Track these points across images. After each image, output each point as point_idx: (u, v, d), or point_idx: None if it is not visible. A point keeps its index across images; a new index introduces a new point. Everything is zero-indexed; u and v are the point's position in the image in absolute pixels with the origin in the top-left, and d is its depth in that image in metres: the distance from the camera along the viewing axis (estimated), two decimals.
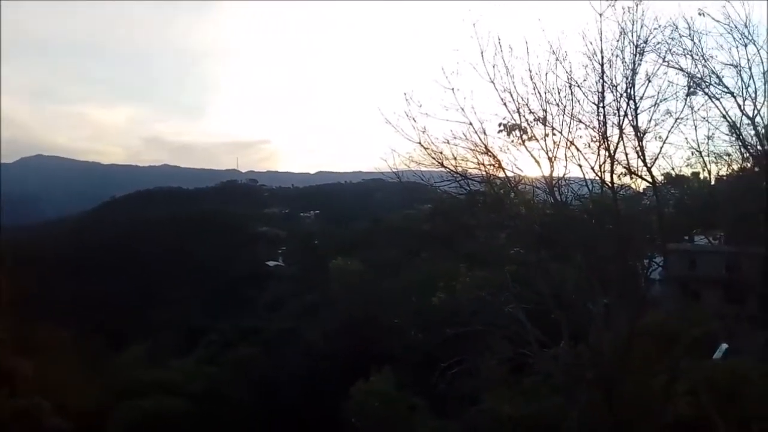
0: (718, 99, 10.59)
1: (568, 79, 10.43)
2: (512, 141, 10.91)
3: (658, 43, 10.28)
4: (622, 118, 10.43)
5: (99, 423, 20.41)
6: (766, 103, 10.29)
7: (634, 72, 10.20)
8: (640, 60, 10.19)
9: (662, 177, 11.23)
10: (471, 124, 10.71)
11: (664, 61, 10.40)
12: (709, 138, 10.93)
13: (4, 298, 19.16)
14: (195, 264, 48.85)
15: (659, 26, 10.14)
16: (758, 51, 10.09)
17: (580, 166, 10.84)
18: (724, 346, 7.43)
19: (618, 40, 10.10)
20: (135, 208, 77.61)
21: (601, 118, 10.47)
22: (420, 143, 10.81)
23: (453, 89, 10.39)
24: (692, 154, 11.07)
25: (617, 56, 10.15)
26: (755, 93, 10.29)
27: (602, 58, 10.13)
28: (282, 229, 69.17)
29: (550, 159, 10.84)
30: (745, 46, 10.14)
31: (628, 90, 10.28)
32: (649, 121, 10.55)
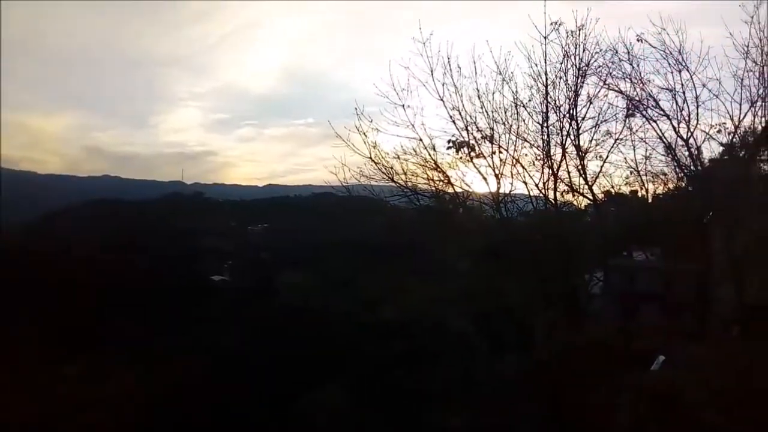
0: (655, 121, 11.13)
1: (514, 98, 10.81)
2: (461, 157, 11.17)
3: (599, 66, 10.78)
4: (564, 137, 10.86)
5: None
6: (698, 126, 10.90)
7: (577, 94, 10.66)
8: (582, 82, 10.68)
9: (602, 194, 11.71)
10: (421, 140, 10.89)
11: (604, 83, 10.89)
12: (646, 158, 11.47)
13: None
14: (135, 278, 46.82)
15: (600, 50, 10.65)
16: (691, 77, 10.67)
17: (525, 183, 11.21)
18: (662, 357, 7.73)
19: (562, 63, 10.55)
20: (74, 220, 73.87)
21: (545, 137, 10.87)
22: (371, 158, 10.87)
23: (404, 105, 10.54)
24: (631, 173, 11.60)
25: (561, 78, 10.60)
26: (689, 116, 10.88)
27: (546, 79, 10.54)
28: (228, 243, 67.44)
29: (496, 176, 11.15)
30: (680, 71, 10.72)
31: (571, 111, 10.73)
32: (591, 141, 11.05)
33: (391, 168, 11.04)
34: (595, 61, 10.66)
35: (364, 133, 10.72)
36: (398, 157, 11.04)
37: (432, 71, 10.55)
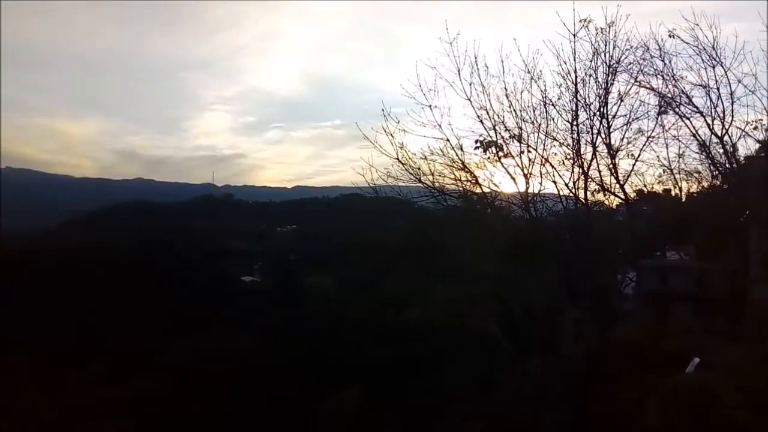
0: (688, 118, 10.89)
1: (542, 97, 10.65)
2: (488, 157, 11.06)
3: (630, 63, 10.58)
4: (595, 136, 10.67)
5: None
6: (733, 122, 10.61)
7: (607, 91, 10.46)
8: (613, 80, 10.48)
9: (634, 194, 11.48)
10: (448, 140, 10.83)
11: (636, 81, 10.69)
12: (679, 156, 11.24)
13: None
14: (168, 279, 47.79)
15: (631, 47, 10.44)
16: (725, 72, 10.41)
17: (555, 182, 11.03)
18: (696, 360, 7.52)
19: (591, 61, 10.37)
20: (108, 223, 75.89)
21: (575, 136, 10.69)
22: (398, 159, 10.87)
23: (430, 106, 10.51)
24: (663, 171, 11.36)
25: (590, 76, 10.42)
26: (723, 113, 10.61)
27: (576, 77, 10.38)
28: (258, 244, 68.28)
29: (525, 175, 10.99)
30: (713, 67, 10.46)
31: (601, 109, 10.54)
32: (622, 139, 10.84)
33: (418, 168, 11.02)
34: (626, 58, 10.47)
35: (391, 134, 10.73)
36: (425, 158, 11.01)
37: (459, 71, 10.49)
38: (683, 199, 11.68)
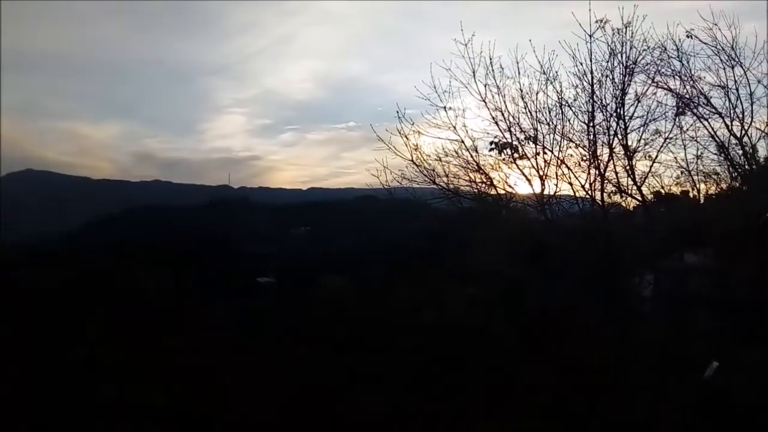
0: (706, 119, 10.75)
1: (558, 98, 10.65)
2: (503, 159, 11.07)
3: (648, 64, 10.49)
4: (612, 137, 10.61)
5: None
6: (753, 123, 10.47)
7: (624, 92, 10.41)
8: (630, 80, 10.42)
9: (652, 195, 11.36)
10: (463, 141, 10.87)
11: (653, 81, 10.60)
12: (698, 157, 11.08)
13: None
14: (185, 280, 48.21)
15: (648, 48, 10.37)
16: (745, 73, 10.27)
17: (571, 184, 11.00)
18: (715, 363, 7.43)
19: (608, 61, 10.33)
20: (126, 224, 76.96)
21: (591, 137, 10.65)
22: (412, 160, 10.92)
23: (445, 107, 10.56)
24: (681, 173, 11.22)
25: (607, 76, 10.38)
26: (742, 114, 10.46)
27: (592, 78, 10.33)
28: (273, 246, 68.70)
29: (541, 177, 10.98)
30: (732, 67, 10.32)
31: (618, 110, 10.48)
32: (639, 140, 10.75)
33: (433, 170, 11.07)
34: (643, 58, 10.40)
35: (406, 136, 10.80)
36: (440, 160, 11.07)
37: (474, 72, 10.53)
38: (701, 201, 11.53)
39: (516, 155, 11.01)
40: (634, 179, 10.78)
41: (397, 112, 10.73)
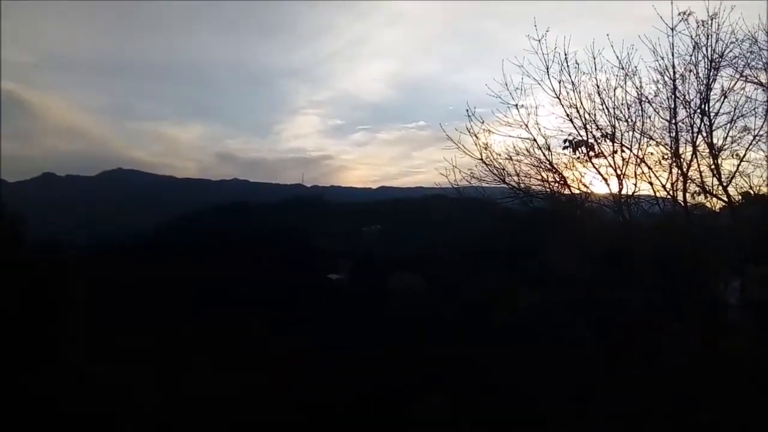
0: None
1: (638, 94, 10.17)
2: (578, 157, 10.71)
3: (735, 57, 9.79)
4: (695, 134, 10.02)
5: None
6: None
7: (709, 87, 9.79)
8: (716, 75, 9.77)
9: (739, 196, 10.63)
10: (535, 140, 10.63)
11: (741, 75, 9.88)
12: None
13: (81, 306, 20.22)
14: (262, 276, 50.36)
15: (736, 40, 9.66)
16: None
17: (651, 184, 10.47)
18: None
19: (691, 55, 9.75)
20: (207, 222, 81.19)
21: (674, 134, 10.12)
22: (482, 159, 10.81)
23: (517, 105, 10.38)
24: None
25: (690, 71, 9.79)
26: None
27: (674, 73, 9.81)
28: (345, 243, 70.17)
29: (618, 176, 10.54)
30: None
31: (702, 106, 9.88)
32: (725, 138, 10.06)
33: (503, 169, 10.87)
34: (731, 51, 9.69)
35: (475, 135, 10.68)
36: (510, 158, 10.85)
37: (548, 68, 10.24)
38: None
39: (592, 153, 10.62)
40: (719, 179, 10.11)
41: (467, 110, 10.60)
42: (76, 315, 19.71)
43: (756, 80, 9.95)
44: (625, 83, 10.14)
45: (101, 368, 19.64)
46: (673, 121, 10.08)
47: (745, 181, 10.46)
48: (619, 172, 10.50)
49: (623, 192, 10.58)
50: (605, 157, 10.58)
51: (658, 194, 10.50)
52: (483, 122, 10.66)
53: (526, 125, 10.54)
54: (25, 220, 21.61)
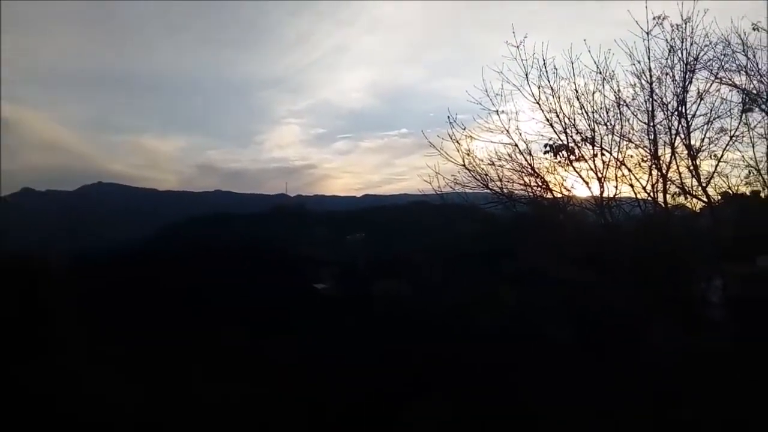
0: None
1: (616, 98, 10.37)
2: (559, 162, 10.87)
3: (710, 59, 10.06)
4: (673, 136, 10.24)
5: None
6: None
7: (685, 90, 10.03)
8: (691, 77, 10.03)
9: (719, 196, 10.85)
10: (516, 145, 10.76)
11: (716, 78, 10.15)
12: None
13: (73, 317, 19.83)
14: (246, 286, 49.82)
15: (710, 43, 9.94)
16: None
17: (632, 186, 10.66)
18: None
19: (667, 58, 10.00)
20: (190, 233, 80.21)
21: (652, 137, 10.33)
22: (464, 165, 10.89)
23: (497, 111, 10.50)
24: (750, 172, 10.63)
25: (667, 74, 10.04)
26: None
27: (651, 76, 10.04)
28: (329, 252, 69.82)
29: (599, 179, 10.70)
30: None
31: (680, 108, 10.11)
32: (703, 139, 10.32)
33: (486, 175, 10.98)
34: (705, 54, 9.96)
35: (457, 141, 10.78)
36: (493, 164, 10.96)
37: (527, 74, 10.40)
38: None
39: (573, 157, 10.77)
40: (698, 180, 10.33)
41: (448, 117, 10.70)
42: (59, 321, 19.39)
43: (730, 82, 10.22)
44: (603, 87, 10.35)
45: (86, 372, 19.29)
46: (652, 124, 10.28)
47: (724, 181, 10.71)
48: (599, 175, 10.67)
49: (604, 195, 10.74)
50: (586, 161, 10.74)
51: (638, 196, 10.70)
52: (465, 128, 10.79)
53: (508, 131, 10.67)
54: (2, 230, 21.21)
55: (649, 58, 10.02)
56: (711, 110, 10.18)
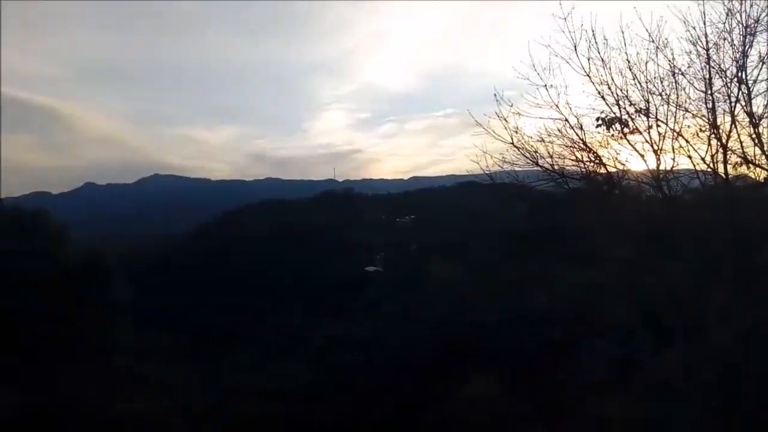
0: None
1: (670, 67, 9.95)
2: (612, 135, 10.57)
3: None
4: (733, 104, 9.77)
5: (209, 425, 21.29)
6: None
7: (745, 54, 9.51)
8: (752, 41, 9.48)
9: None
10: (566, 120, 10.52)
11: None
12: None
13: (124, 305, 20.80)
14: (299, 272, 51.15)
15: None
16: None
17: (690, 157, 10.26)
18: None
19: (725, 23, 9.49)
20: (244, 221, 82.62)
21: (710, 105, 9.89)
22: (513, 143, 10.75)
23: (546, 86, 10.27)
24: None
25: (725, 39, 9.54)
26: None
27: (707, 42, 9.57)
28: (379, 235, 70.51)
29: (655, 152, 10.36)
30: None
31: (739, 74, 9.61)
32: (766, 105, 9.79)
33: (535, 152, 10.79)
34: (767, 15, 9.44)
35: (505, 119, 10.60)
36: (542, 140, 10.75)
37: (575, 46, 10.09)
38: None
39: (626, 130, 10.45)
40: (762, 148, 9.81)
41: (495, 94, 10.53)
42: (120, 315, 20.43)
43: None
44: (657, 56, 9.94)
45: (148, 367, 20.37)
46: (709, 92, 9.84)
47: None
48: (655, 147, 10.33)
49: (661, 167, 10.40)
50: (640, 133, 10.41)
51: (697, 167, 10.30)
52: (512, 105, 10.58)
53: (557, 105, 10.42)
54: (67, 227, 22.45)
55: (704, 24, 9.56)
56: None
